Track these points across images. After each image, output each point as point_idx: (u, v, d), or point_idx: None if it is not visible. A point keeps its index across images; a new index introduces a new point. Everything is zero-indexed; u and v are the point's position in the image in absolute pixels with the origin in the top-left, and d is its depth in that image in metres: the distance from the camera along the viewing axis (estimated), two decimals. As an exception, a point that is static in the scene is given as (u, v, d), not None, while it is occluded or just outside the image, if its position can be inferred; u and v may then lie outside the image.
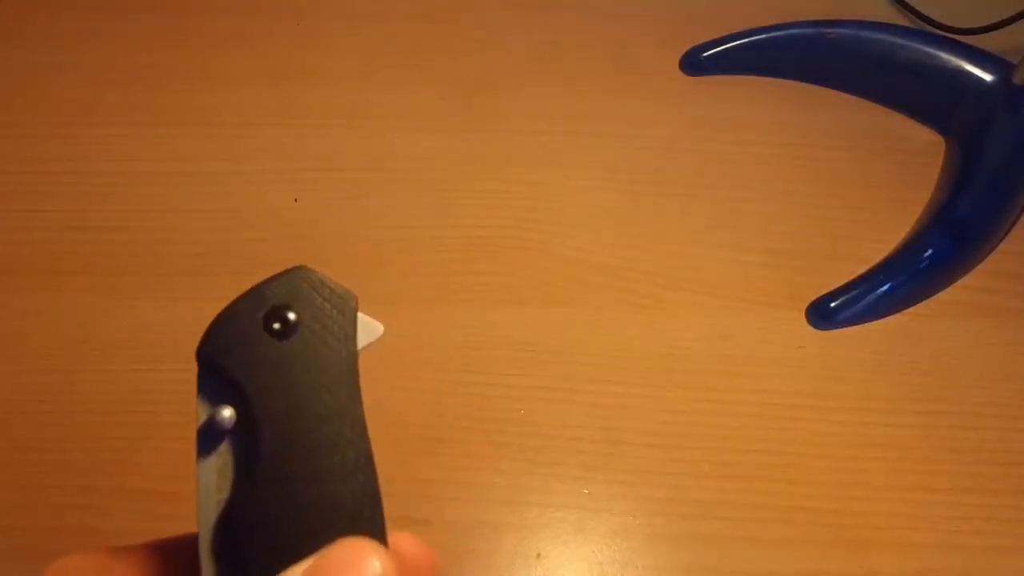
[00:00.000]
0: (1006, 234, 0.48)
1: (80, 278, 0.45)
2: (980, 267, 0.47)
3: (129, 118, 0.52)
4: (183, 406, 0.41)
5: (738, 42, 0.55)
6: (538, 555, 0.38)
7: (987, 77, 0.51)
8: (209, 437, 0.21)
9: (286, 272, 0.23)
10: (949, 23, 0.55)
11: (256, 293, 0.22)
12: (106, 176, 0.49)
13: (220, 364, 0.21)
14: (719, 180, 0.50)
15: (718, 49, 0.55)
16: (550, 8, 0.59)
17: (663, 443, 0.40)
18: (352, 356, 0.22)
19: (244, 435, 0.21)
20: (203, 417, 0.21)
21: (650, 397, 0.42)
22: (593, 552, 0.38)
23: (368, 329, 0.23)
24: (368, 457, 0.22)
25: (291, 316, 0.22)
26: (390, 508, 0.39)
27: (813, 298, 0.45)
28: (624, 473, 0.40)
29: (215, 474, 0.21)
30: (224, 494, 0.20)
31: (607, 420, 0.41)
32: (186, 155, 0.50)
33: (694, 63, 0.55)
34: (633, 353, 0.43)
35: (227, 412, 0.21)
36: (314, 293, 0.22)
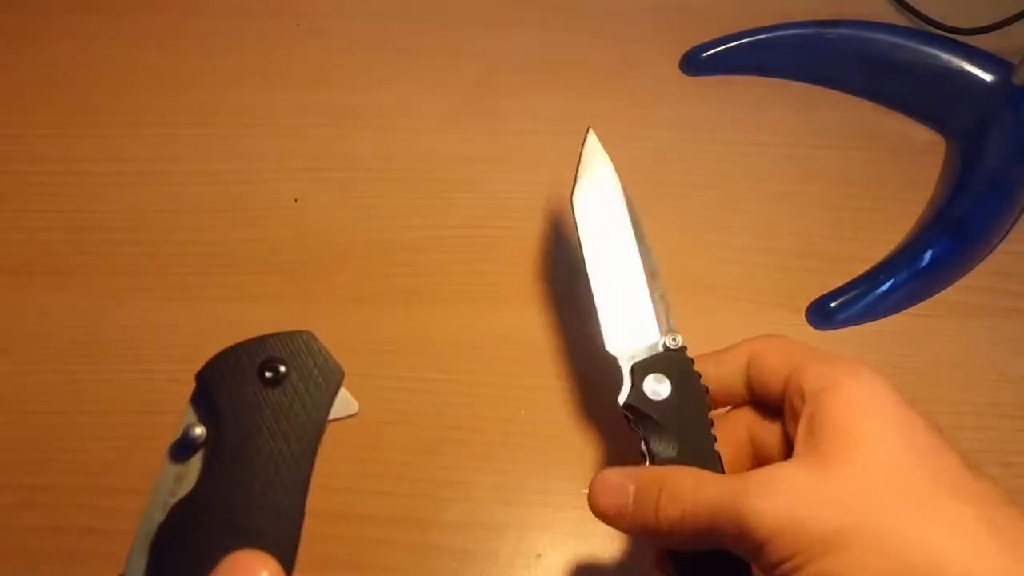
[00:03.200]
0: (1006, 234, 0.48)
1: (80, 278, 0.45)
2: (980, 267, 0.47)
3: (129, 118, 0.52)
4: (183, 406, 0.41)
5: (738, 42, 0.55)
6: (538, 555, 0.38)
7: (987, 77, 0.51)
8: (181, 446, 0.24)
9: (293, 332, 0.26)
10: (949, 23, 0.55)
11: (262, 341, 0.26)
12: (106, 176, 0.49)
13: (212, 389, 0.25)
14: (718, 180, 0.50)
15: (718, 49, 0.55)
16: (550, 8, 0.59)
17: (663, 443, 0.40)
18: (321, 421, 0.25)
19: (208, 453, 0.24)
20: (182, 428, 0.24)
21: (650, 397, 0.42)
22: (593, 552, 0.38)
23: (345, 405, 0.26)
24: (299, 509, 0.24)
25: (282, 369, 0.25)
26: (392, 508, 0.39)
27: (813, 298, 0.45)
28: (624, 473, 0.40)
29: (171, 479, 0.24)
30: (174, 499, 0.24)
31: (608, 420, 0.41)
32: (186, 155, 0.50)
33: (694, 63, 0.55)
34: (633, 353, 0.43)
35: (199, 430, 0.24)
36: (309, 358, 0.26)
